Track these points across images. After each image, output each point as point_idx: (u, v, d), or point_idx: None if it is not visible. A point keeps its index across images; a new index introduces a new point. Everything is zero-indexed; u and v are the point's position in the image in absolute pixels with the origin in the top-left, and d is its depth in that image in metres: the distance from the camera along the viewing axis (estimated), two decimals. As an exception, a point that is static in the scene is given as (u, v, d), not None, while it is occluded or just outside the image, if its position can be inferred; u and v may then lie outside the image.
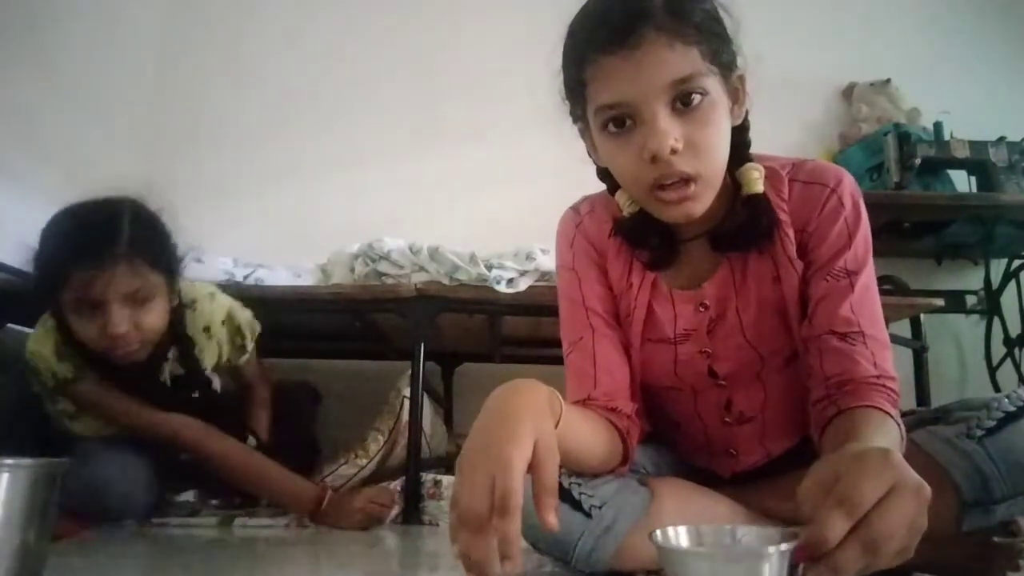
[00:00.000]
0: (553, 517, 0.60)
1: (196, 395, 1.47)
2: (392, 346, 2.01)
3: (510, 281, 1.66)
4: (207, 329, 1.47)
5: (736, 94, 0.85)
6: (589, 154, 0.94)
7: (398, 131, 2.59)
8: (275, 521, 1.41)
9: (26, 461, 0.71)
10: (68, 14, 2.11)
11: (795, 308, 0.89)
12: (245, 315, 1.54)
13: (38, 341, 1.33)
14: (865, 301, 0.86)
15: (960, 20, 2.73)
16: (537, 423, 0.65)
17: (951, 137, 2.27)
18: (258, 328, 1.57)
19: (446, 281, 1.68)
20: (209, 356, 1.48)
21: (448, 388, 2.34)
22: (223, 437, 1.39)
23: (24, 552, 0.70)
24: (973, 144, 2.24)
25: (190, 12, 2.66)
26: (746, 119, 0.89)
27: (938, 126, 2.31)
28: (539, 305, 1.65)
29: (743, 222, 0.88)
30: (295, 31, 2.67)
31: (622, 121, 0.80)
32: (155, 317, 1.32)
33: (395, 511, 1.48)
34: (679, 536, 0.59)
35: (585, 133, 0.91)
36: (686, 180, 0.79)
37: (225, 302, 1.51)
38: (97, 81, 2.23)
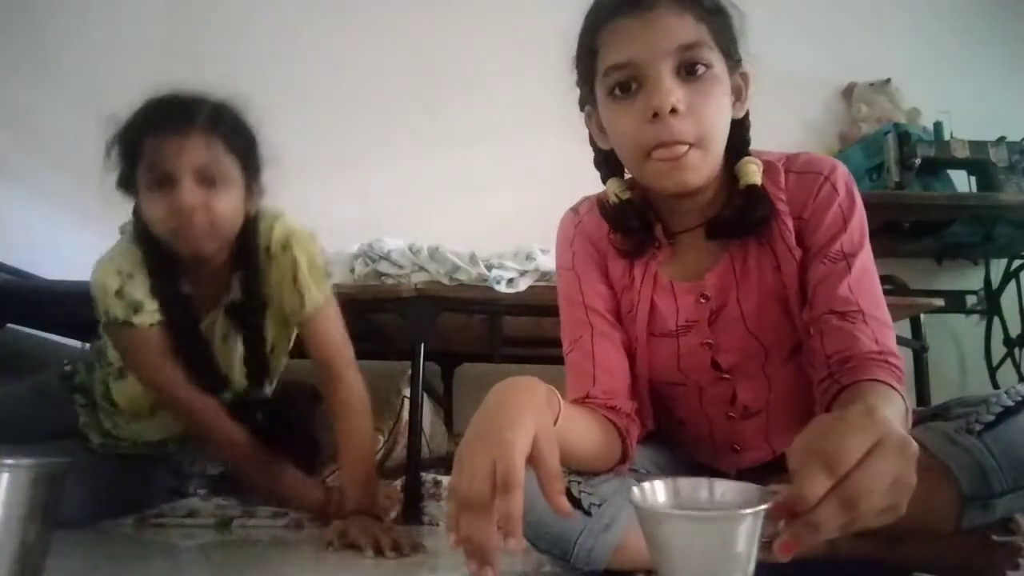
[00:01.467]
0: (564, 501, 0.61)
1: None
2: (392, 346, 2.01)
3: (510, 281, 1.67)
4: (283, 245, 1.37)
5: (739, 91, 0.89)
6: (591, 142, 0.97)
7: (398, 131, 2.59)
8: (273, 522, 1.41)
9: (26, 461, 0.71)
10: (68, 14, 2.11)
11: (796, 296, 0.90)
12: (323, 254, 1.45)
13: (102, 270, 1.30)
14: (863, 282, 0.86)
15: (960, 20, 2.72)
16: (536, 416, 0.65)
17: (951, 137, 2.27)
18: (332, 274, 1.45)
19: (446, 281, 1.68)
20: (276, 272, 1.36)
21: (448, 388, 2.34)
22: (238, 429, 1.36)
23: (24, 552, 0.70)
24: (973, 144, 2.24)
25: (190, 12, 2.66)
26: (747, 116, 0.92)
27: (938, 126, 2.31)
28: (539, 305, 1.65)
29: (740, 211, 0.90)
30: (295, 31, 2.67)
31: (627, 86, 0.84)
32: (226, 204, 1.26)
33: (395, 511, 1.48)
34: (656, 491, 0.57)
35: (591, 117, 0.95)
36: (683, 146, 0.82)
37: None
38: (97, 81, 2.23)
